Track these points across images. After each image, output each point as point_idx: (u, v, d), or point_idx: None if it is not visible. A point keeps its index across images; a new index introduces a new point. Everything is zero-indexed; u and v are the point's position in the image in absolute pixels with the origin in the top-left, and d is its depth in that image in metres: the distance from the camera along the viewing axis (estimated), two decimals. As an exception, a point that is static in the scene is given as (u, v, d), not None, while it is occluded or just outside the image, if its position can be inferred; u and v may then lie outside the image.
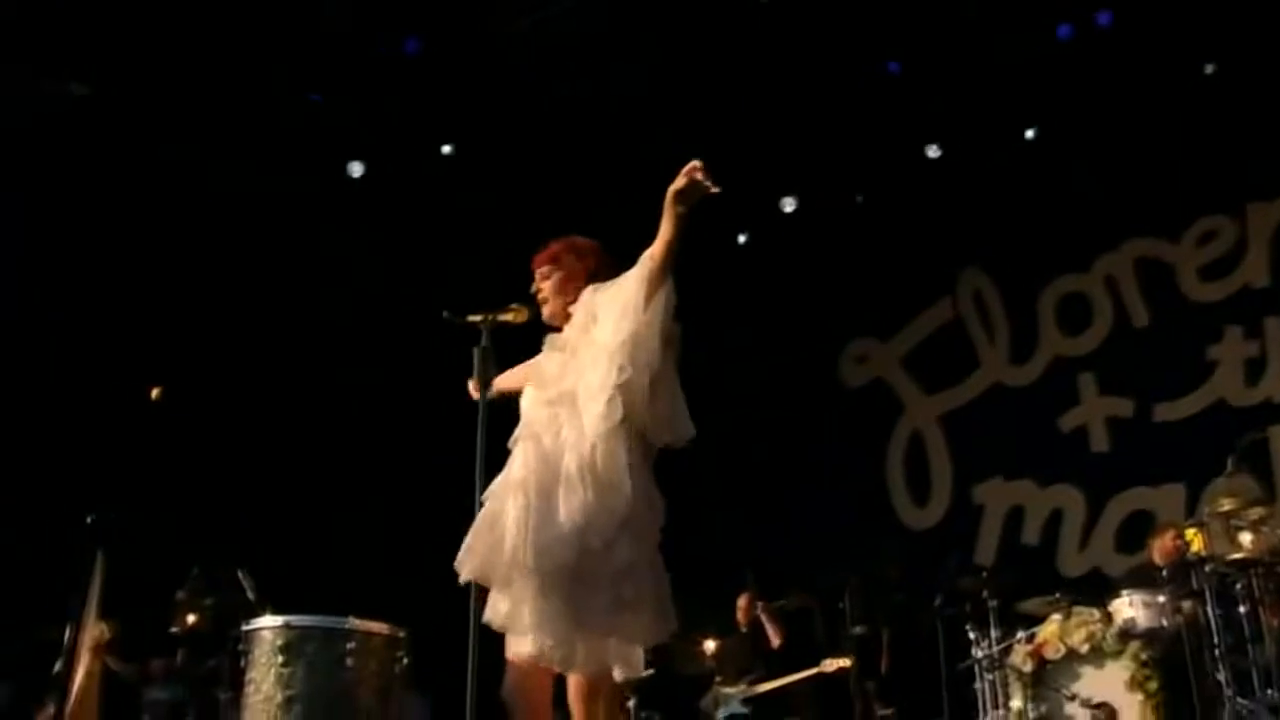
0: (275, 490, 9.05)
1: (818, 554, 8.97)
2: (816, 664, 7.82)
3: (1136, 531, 8.41)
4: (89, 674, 7.19)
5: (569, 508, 3.21)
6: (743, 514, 9.66)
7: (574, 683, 3.32)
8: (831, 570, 8.54)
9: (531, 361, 3.66)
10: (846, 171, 9.82)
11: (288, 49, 8.72)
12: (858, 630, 8.17)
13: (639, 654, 3.32)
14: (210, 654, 7.87)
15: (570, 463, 3.26)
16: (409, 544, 9.41)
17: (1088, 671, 5.90)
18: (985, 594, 6.62)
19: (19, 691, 7.52)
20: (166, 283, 8.99)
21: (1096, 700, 5.78)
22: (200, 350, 8.92)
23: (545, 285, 3.60)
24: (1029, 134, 9.23)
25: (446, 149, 9.77)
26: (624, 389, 3.28)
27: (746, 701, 7.81)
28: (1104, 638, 5.83)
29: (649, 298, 3.31)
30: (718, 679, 8.08)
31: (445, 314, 3.39)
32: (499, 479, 3.35)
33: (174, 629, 7.62)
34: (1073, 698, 5.84)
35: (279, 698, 3.38)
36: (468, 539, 3.22)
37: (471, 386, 3.52)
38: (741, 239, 10.43)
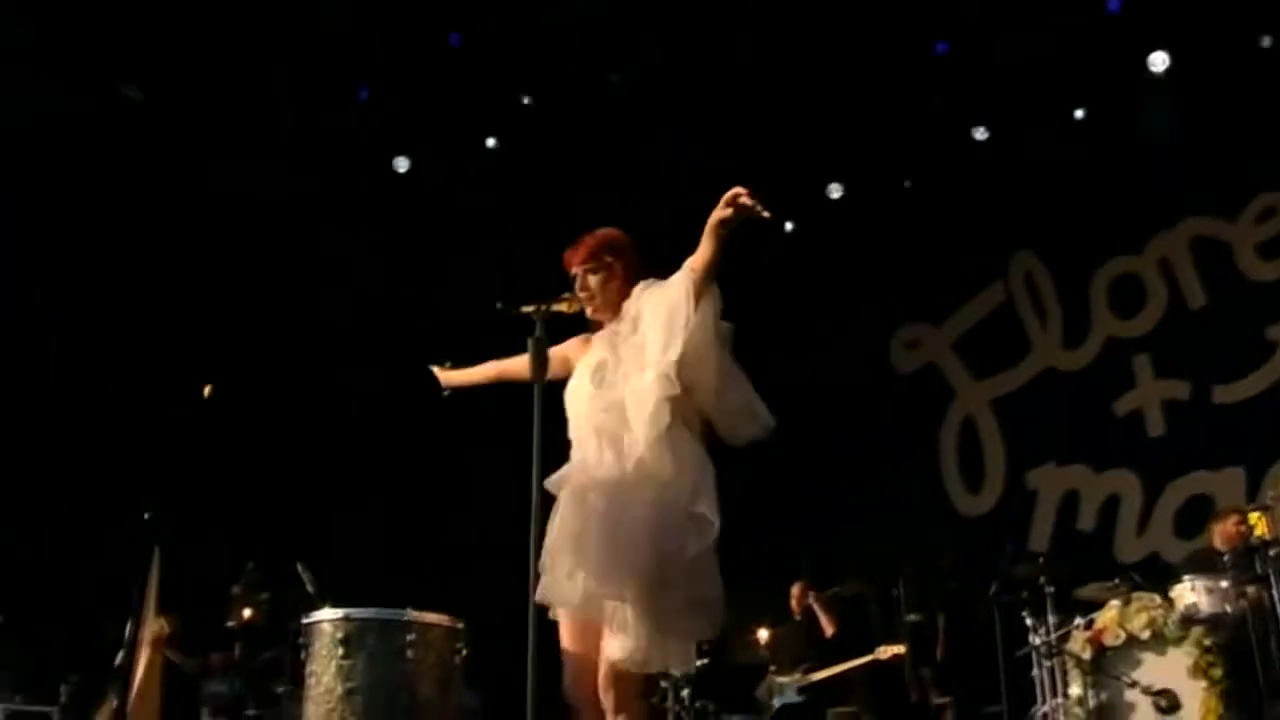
0: (330, 484, 9.14)
1: (871, 542, 8.92)
2: (871, 652, 7.77)
3: (1196, 516, 8.26)
4: (150, 667, 7.30)
5: (637, 514, 3.23)
6: (795, 503, 9.63)
7: (607, 672, 3.31)
8: (885, 558, 8.50)
9: (564, 350, 3.67)
10: (894, 157, 9.74)
11: (331, 47, 8.79)
12: (912, 618, 8.11)
13: (694, 649, 3.35)
14: (266, 648, 7.99)
15: (631, 469, 3.28)
16: (459, 537, 9.49)
17: (1149, 658, 5.81)
18: (1042, 580, 6.55)
19: (83, 685, 7.63)
20: (219, 281, 9.07)
21: (1158, 687, 5.69)
22: (255, 347, 9.01)
23: (590, 281, 3.59)
24: (1078, 114, 9.09)
25: (491, 142, 9.83)
26: (675, 400, 3.29)
27: (802, 690, 7.78)
28: (1165, 624, 5.74)
29: (695, 309, 3.30)
30: (772, 668, 8.06)
31: (499, 305, 3.39)
32: (563, 494, 3.36)
33: (230, 623, 7.72)
34: (1133, 685, 5.76)
35: (339, 690, 3.40)
36: (544, 563, 3.21)
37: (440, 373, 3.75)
38: (789, 227, 10.38)
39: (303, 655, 3.58)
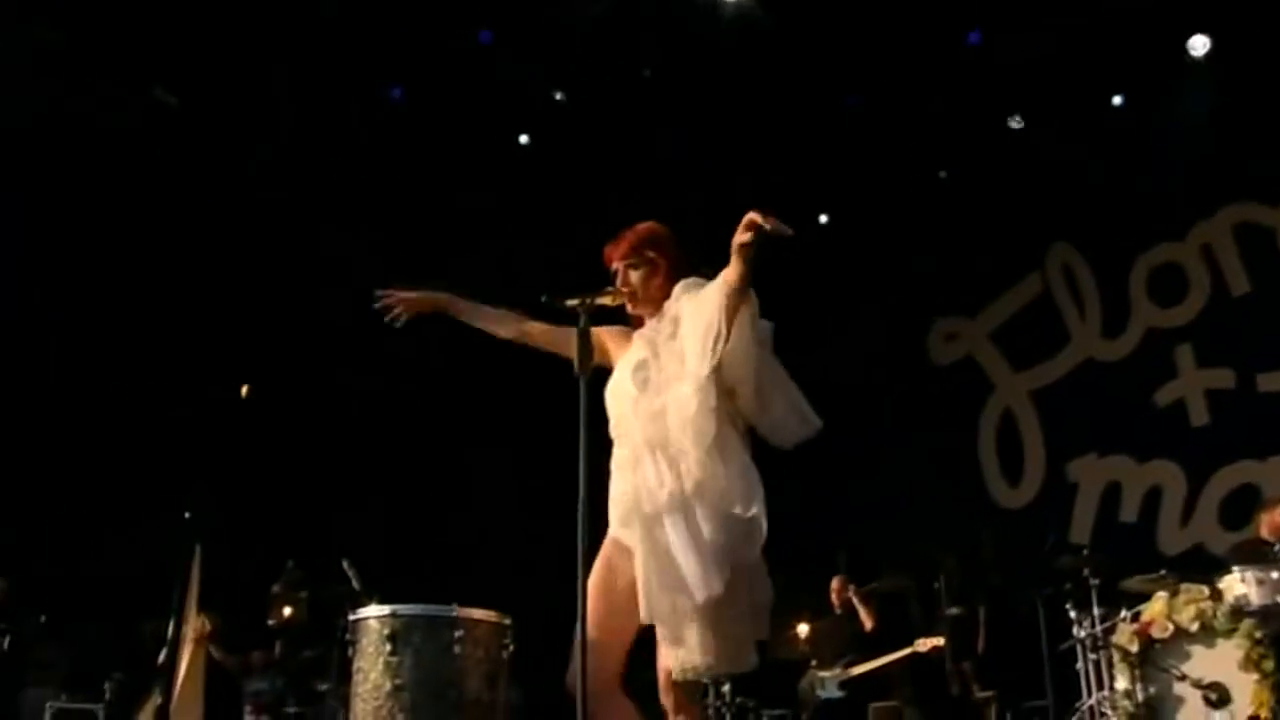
0: (369, 481, 9.17)
1: (909, 535, 8.83)
2: (911, 645, 7.72)
3: (1242, 506, 8.15)
4: (192, 665, 7.33)
5: (691, 527, 3.19)
6: (833, 497, 9.57)
7: (668, 678, 3.29)
8: (924, 551, 8.45)
9: (601, 337, 3.62)
10: (928, 147, 9.66)
11: (363, 47, 8.81)
12: (953, 611, 8.05)
13: (754, 650, 3.33)
14: (307, 646, 8.03)
15: (690, 488, 3.23)
16: (494, 532, 9.50)
17: (1198, 651, 5.71)
18: (1087, 572, 6.48)
19: (127, 683, 7.68)
20: (256, 279, 9.11)
21: (1208, 680, 5.59)
22: (294, 345, 9.05)
23: (632, 276, 3.55)
24: (1116, 100, 8.99)
25: (524, 139, 9.83)
26: (717, 411, 3.26)
27: (843, 685, 7.73)
28: (1215, 616, 5.64)
29: (730, 322, 3.25)
30: (813, 663, 8.02)
31: (544, 298, 3.36)
32: (614, 504, 3.34)
33: (271, 622, 7.76)
34: (1182, 678, 5.66)
35: (387, 686, 3.37)
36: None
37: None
38: (823, 219, 10.32)
39: (350, 652, 3.56)
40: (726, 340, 3.23)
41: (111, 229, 8.82)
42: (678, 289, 3.47)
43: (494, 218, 9.69)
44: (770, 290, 3.46)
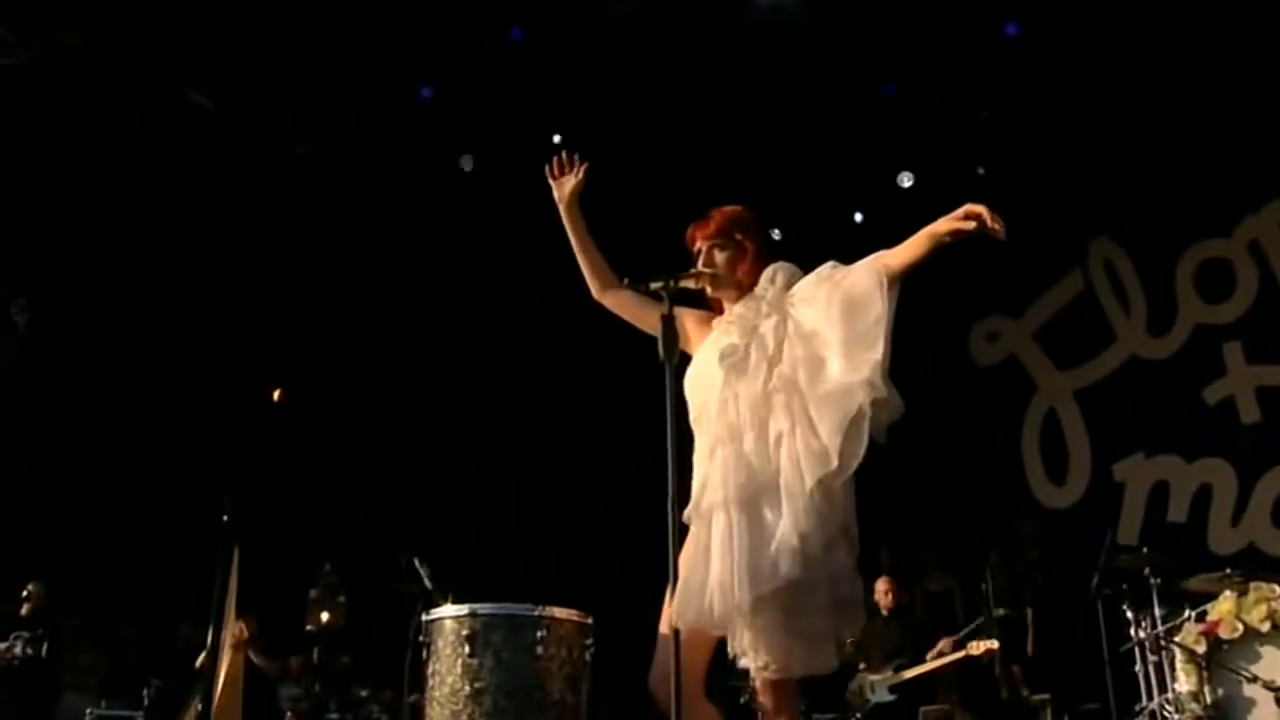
0: (424, 481, 9.08)
1: (954, 536, 8.71)
2: (962, 647, 7.57)
3: (1296, 505, 8.06)
4: (231, 670, 7.24)
5: (787, 516, 3.07)
6: (877, 497, 9.37)
7: (766, 682, 3.18)
8: (969, 552, 8.33)
9: (685, 321, 3.51)
10: (965, 142, 9.52)
11: (394, 44, 8.72)
12: (1001, 612, 7.92)
13: (834, 650, 3.20)
14: (345, 650, 7.93)
15: (788, 467, 3.12)
16: (562, 531, 9.37)
17: (1268, 652, 5.59)
18: (1147, 572, 6.35)
19: (166, 688, 7.60)
20: (297, 283, 9.04)
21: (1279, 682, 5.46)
22: (338, 345, 8.99)
23: (717, 257, 3.46)
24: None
25: (557, 138, 9.71)
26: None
27: (894, 689, 7.58)
28: (1286, 614, 5.51)
29: (889, 317, 3.20)
30: (861, 666, 7.87)
31: (626, 280, 3.25)
32: (697, 495, 3.21)
33: (309, 627, 7.67)
34: (1254, 679, 5.53)
35: (466, 690, 3.24)
36: (681, 590, 3.04)
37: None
38: (858, 218, 10.18)
39: (425, 654, 3.42)
40: (885, 323, 3.17)
41: (148, 233, 8.76)
42: (775, 273, 3.38)
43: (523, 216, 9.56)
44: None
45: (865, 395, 3.13)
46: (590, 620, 3.52)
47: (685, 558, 3.07)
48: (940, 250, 3.21)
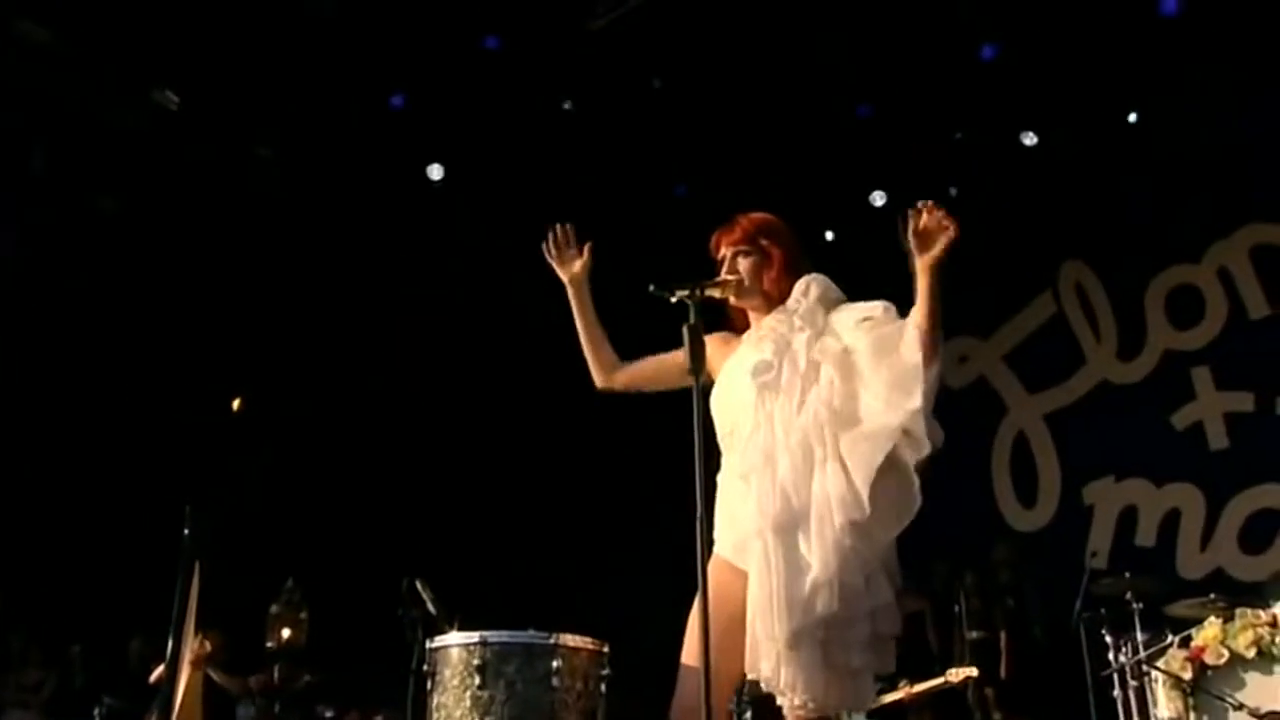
0: (410, 498, 8.90)
1: (925, 558, 8.65)
2: (933, 670, 7.51)
3: (1262, 530, 8.10)
4: (190, 687, 7.04)
5: (824, 547, 2.98)
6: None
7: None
8: (939, 575, 8.30)
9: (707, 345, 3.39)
10: (938, 163, 9.53)
11: (366, 49, 8.57)
12: (974, 635, 7.90)
13: (872, 686, 3.11)
14: (306, 669, 7.73)
15: (821, 500, 3.03)
16: (565, 552, 9.20)
17: (1254, 679, 5.58)
18: (1129, 596, 6.34)
19: (117, 707, 7.37)
20: (260, 291, 8.84)
21: (1265, 710, 5.45)
22: (320, 353, 8.80)
23: (741, 264, 3.36)
24: (1132, 117, 8.90)
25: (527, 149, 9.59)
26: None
27: (871, 715, 7.49)
28: (1273, 642, 5.50)
29: (927, 366, 3.12)
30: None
31: (651, 287, 3.12)
32: (724, 521, 3.12)
33: (269, 644, 7.47)
34: (1239, 707, 5.52)
35: (476, 724, 3.09)
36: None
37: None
38: (829, 236, 10.15)
39: (429, 684, 3.24)
40: (924, 381, 3.10)
41: (106, 236, 8.52)
42: (809, 286, 3.28)
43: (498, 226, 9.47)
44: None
45: (897, 442, 3.08)
46: (606, 649, 3.38)
47: (715, 596, 2.93)
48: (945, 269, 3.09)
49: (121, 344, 8.53)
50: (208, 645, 7.20)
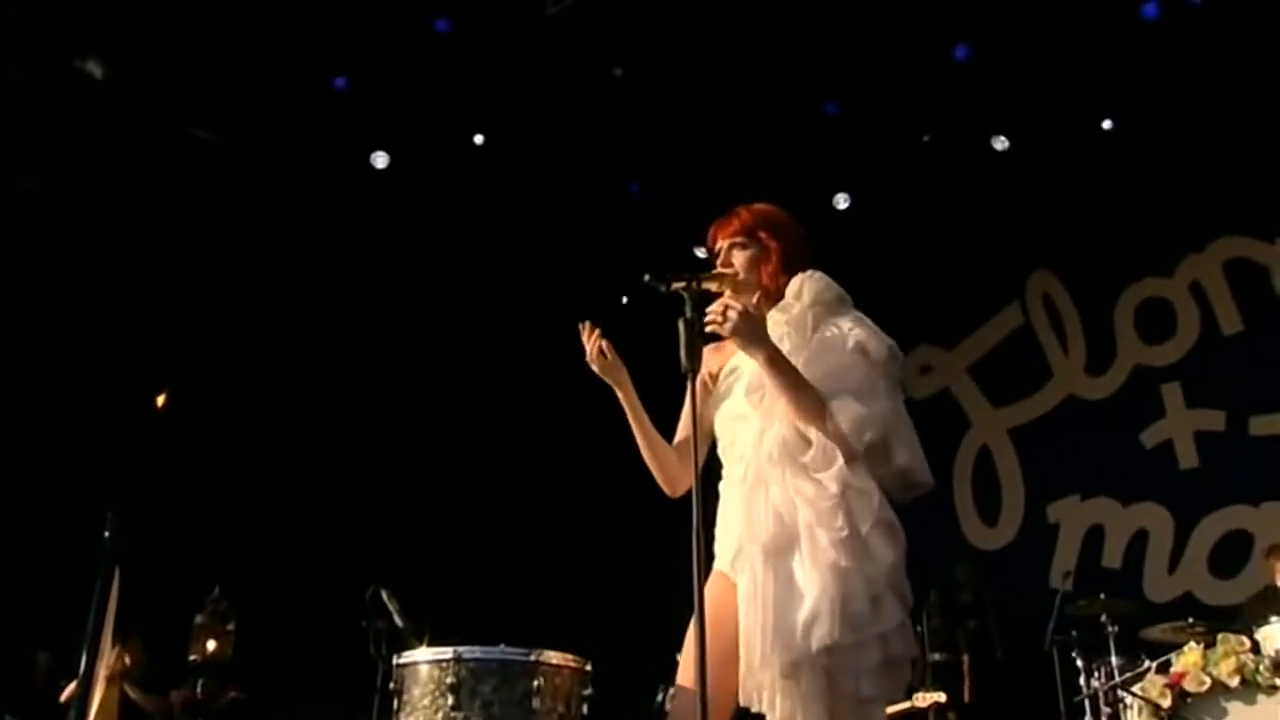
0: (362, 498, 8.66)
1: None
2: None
3: (1234, 553, 8.13)
4: (104, 705, 6.81)
5: (819, 568, 2.89)
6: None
7: None
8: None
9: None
10: (905, 165, 9.51)
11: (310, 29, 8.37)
12: (937, 657, 7.85)
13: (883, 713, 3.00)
14: (233, 684, 7.49)
15: (809, 518, 2.94)
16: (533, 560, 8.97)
17: (1236, 707, 5.56)
18: (1104, 619, 6.33)
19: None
20: (202, 274, 8.58)
21: (1247, 739, 5.44)
22: (258, 347, 8.56)
23: (737, 258, 3.25)
24: (1106, 124, 8.94)
25: (479, 139, 9.43)
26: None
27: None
28: (1256, 670, 5.49)
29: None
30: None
31: (646, 278, 2.98)
32: (723, 535, 3.04)
33: (192, 657, 7.21)
34: (1221, 735, 5.50)
35: (448, 746, 2.94)
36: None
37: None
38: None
39: (395, 703, 3.08)
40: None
41: (24, 220, 8.23)
42: (802, 286, 3.18)
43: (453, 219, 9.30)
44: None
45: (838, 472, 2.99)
46: (589, 667, 3.24)
47: (714, 612, 2.83)
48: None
49: (38, 333, 8.22)
50: (125, 659, 6.95)
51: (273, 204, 8.87)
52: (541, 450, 9.39)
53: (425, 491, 9.01)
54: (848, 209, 9.75)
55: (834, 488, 2.92)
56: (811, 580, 2.86)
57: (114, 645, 6.76)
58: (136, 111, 8.21)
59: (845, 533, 2.89)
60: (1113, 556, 8.82)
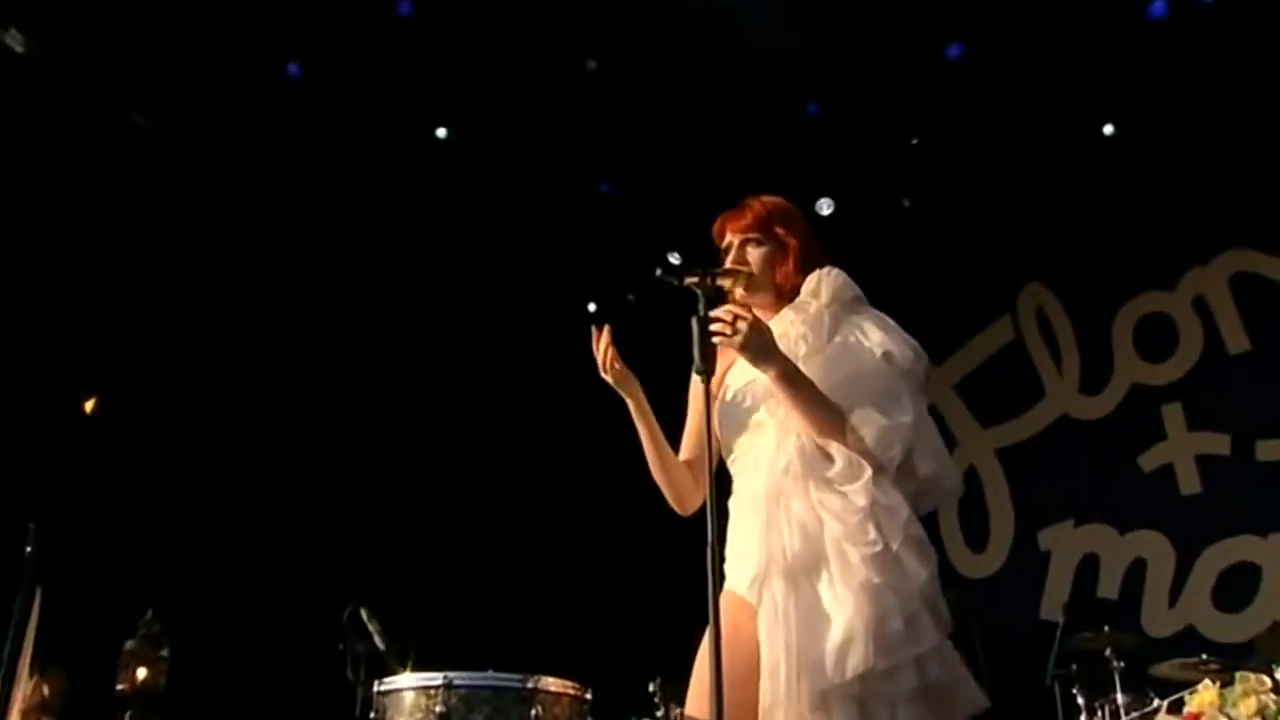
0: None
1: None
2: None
3: (1239, 586, 7.99)
4: (21, 741, 6.48)
5: (850, 588, 2.80)
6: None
7: None
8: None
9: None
10: (892, 169, 9.36)
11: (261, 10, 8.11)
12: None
13: None
14: (163, 717, 7.17)
15: (838, 533, 2.86)
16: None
17: (1256, 750, 5.36)
18: (1109, 653, 6.17)
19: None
20: (136, 269, 8.27)
21: (1268, 785, 5.23)
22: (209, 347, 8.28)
23: (751, 254, 3.09)
24: (1107, 129, 8.81)
25: (441, 132, 9.20)
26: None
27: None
28: (1277, 710, 5.28)
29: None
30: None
31: (658, 272, 2.81)
32: (736, 555, 2.91)
33: (121, 686, 6.91)
34: (1240, 780, 5.29)
35: (437, 780, 2.72)
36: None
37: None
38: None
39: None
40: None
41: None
42: (820, 282, 3.02)
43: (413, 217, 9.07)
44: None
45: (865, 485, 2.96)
46: (589, 694, 3.05)
47: (728, 638, 2.62)
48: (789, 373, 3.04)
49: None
50: (44, 689, 6.59)
51: (211, 193, 8.60)
52: (539, 456, 9.12)
53: (405, 500, 8.69)
54: (830, 214, 9.58)
55: (862, 500, 2.76)
56: (843, 600, 2.77)
57: (32, 674, 6.41)
58: (65, 90, 7.89)
59: (878, 547, 2.84)
60: (1109, 587, 8.65)
